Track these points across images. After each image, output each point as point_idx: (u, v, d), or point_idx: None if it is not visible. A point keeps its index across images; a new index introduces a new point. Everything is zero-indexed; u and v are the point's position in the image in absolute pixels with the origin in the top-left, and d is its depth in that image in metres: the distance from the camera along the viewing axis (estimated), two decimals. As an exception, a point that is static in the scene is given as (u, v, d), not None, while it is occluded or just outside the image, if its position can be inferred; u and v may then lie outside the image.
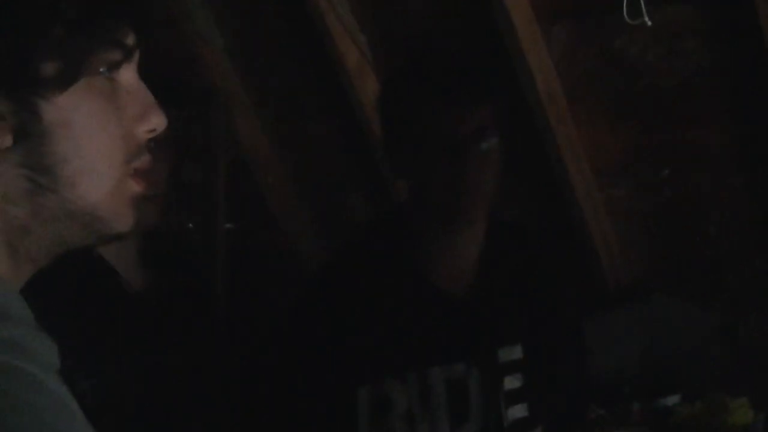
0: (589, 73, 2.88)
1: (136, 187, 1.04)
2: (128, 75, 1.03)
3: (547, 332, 2.17)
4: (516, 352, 2.13)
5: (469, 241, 2.12)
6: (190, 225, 3.70)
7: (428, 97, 2.04)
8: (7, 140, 0.96)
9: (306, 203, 3.72)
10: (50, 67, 0.96)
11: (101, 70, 1.00)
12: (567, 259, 2.93)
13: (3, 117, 0.95)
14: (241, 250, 3.69)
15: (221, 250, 3.62)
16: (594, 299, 3.11)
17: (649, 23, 2.31)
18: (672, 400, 2.88)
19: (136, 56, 1.03)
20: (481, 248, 2.13)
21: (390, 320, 2.08)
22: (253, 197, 3.71)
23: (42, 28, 0.95)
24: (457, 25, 3.00)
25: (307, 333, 2.14)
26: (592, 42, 2.82)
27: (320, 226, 3.72)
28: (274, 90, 3.53)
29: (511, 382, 2.12)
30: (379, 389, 2.06)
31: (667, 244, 3.12)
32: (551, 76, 2.90)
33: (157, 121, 1.03)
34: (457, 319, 2.11)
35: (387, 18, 3.13)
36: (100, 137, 1.00)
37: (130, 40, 1.02)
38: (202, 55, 3.43)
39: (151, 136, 1.05)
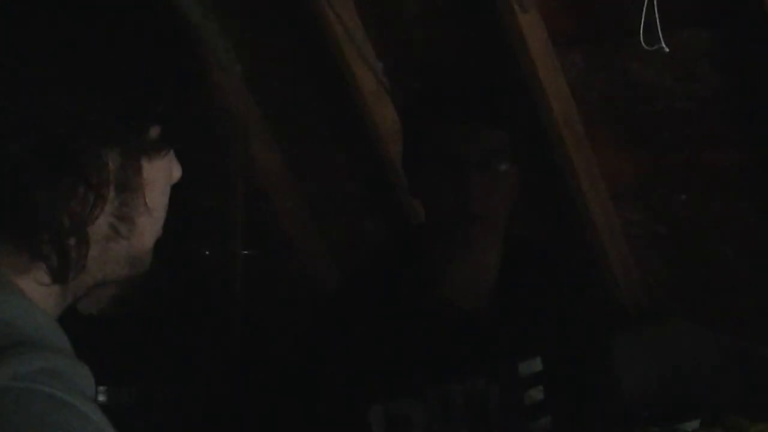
0: (606, 98, 2.89)
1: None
2: None
3: (568, 344, 2.18)
4: (536, 365, 2.13)
5: (484, 261, 2.13)
6: (207, 252, 3.71)
7: (440, 119, 2.06)
8: (111, 192, 1.03)
9: (322, 229, 3.73)
10: (155, 132, 1.06)
11: None
12: (584, 274, 2.93)
13: (111, 171, 1.03)
14: (258, 276, 3.70)
15: (238, 276, 3.63)
16: (611, 322, 3.11)
17: (667, 50, 2.31)
18: (692, 425, 2.87)
19: None
20: (499, 265, 2.14)
21: (407, 337, 2.08)
22: (270, 223, 3.72)
23: (160, 96, 1.05)
24: (473, 51, 3.01)
25: (323, 351, 2.15)
26: (608, 66, 2.83)
27: (336, 252, 3.73)
28: (291, 116, 3.54)
29: (534, 395, 2.13)
30: (397, 407, 2.07)
31: (684, 268, 3.12)
32: (567, 100, 2.91)
33: (177, 175, 1.13)
34: (475, 335, 2.11)
35: (403, 45, 3.15)
36: (166, 193, 1.11)
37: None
38: (219, 81, 3.44)
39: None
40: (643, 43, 2.27)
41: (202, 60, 1.11)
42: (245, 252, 3.62)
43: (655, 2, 2.27)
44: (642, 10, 2.29)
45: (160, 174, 1.09)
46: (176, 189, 1.13)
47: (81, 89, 1.00)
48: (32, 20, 1.01)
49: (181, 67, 1.08)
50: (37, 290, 1.03)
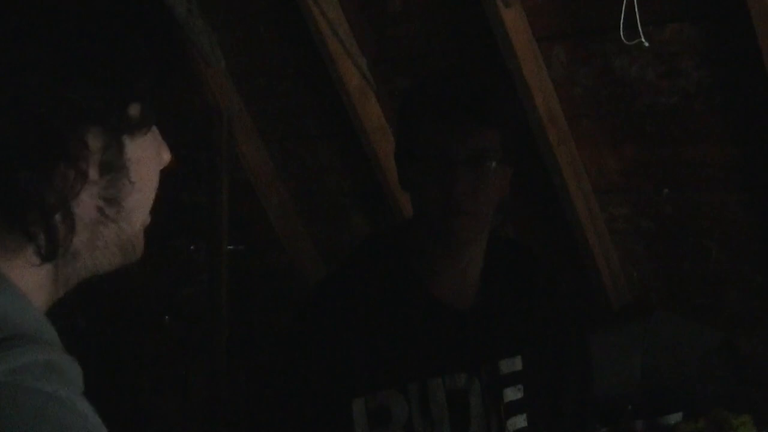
0: (590, 93, 2.90)
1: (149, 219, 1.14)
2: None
3: (548, 344, 2.19)
4: (516, 364, 2.15)
5: (469, 257, 2.14)
6: (192, 247, 3.71)
7: (431, 116, 2.07)
8: (94, 173, 1.04)
9: (309, 224, 3.74)
10: (135, 109, 1.06)
11: None
12: (567, 275, 2.94)
13: (93, 152, 1.03)
14: (245, 271, 3.71)
15: (225, 271, 3.63)
16: (596, 317, 3.12)
17: (646, 44, 2.32)
18: (674, 417, 2.89)
19: None
20: (482, 264, 2.15)
21: (390, 331, 2.09)
22: (257, 218, 3.72)
23: (139, 73, 1.05)
24: (457, 47, 3.02)
25: (306, 343, 2.15)
26: (591, 62, 2.84)
27: (323, 247, 3.73)
28: (277, 111, 3.55)
29: (512, 393, 2.14)
30: (378, 400, 2.08)
31: (669, 262, 3.13)
32: (551, 96, 2.92)
33: (167, 158, 1.13)
34: (458, 331, 2.13)
35: (387, 41, 3.15)
36: (154, 174, 1.11)
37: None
38: (206, 77, 3.45)
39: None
40: (623, 38, 2.28)
41: (178, 37, 1.12)
42: (230, 247, 3.63)
43: (635, -2, 2.29)
44: (623, 6, 2.30)
45: (145, 153, 1.09)
46: (163, 184, 1.13)
47: (59, 68, 1.00)
48: (9, 1, 1.01)
49: (159, 44, 1.08)
50: (30, 281, 1.03)
